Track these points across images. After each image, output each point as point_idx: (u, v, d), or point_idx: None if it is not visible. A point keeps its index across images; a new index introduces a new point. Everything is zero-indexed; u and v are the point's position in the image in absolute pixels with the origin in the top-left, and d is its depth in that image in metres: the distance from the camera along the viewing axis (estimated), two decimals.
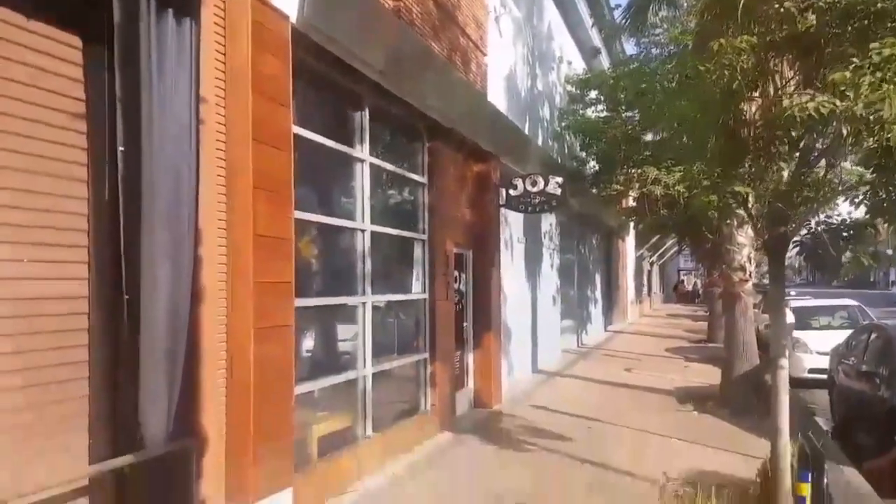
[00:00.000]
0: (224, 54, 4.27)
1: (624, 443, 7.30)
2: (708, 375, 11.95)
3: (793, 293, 27.78)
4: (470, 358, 9.13)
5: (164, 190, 3.40)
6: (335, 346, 6.24)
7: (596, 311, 20.62)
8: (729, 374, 9.59)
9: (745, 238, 9.76)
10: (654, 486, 5.69)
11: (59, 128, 3.35)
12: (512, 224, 11.25)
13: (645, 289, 36.14)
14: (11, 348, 3.03)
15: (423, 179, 7.67)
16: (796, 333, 12.38)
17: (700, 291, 46.29)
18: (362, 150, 6.26)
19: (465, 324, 9.05)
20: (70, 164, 3.40)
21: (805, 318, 13.77)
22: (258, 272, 4.23)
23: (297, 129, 5.11)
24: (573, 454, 6.75)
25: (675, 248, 40.98)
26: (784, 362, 5.07)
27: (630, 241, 28.60)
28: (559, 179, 9.09)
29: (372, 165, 6.40)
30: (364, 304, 6.20)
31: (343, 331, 6.25)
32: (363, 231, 6.23)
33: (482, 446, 7.09)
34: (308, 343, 5.65)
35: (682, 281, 59.68)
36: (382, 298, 6.62)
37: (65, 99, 3.39)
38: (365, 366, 6.17)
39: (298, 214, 4.95)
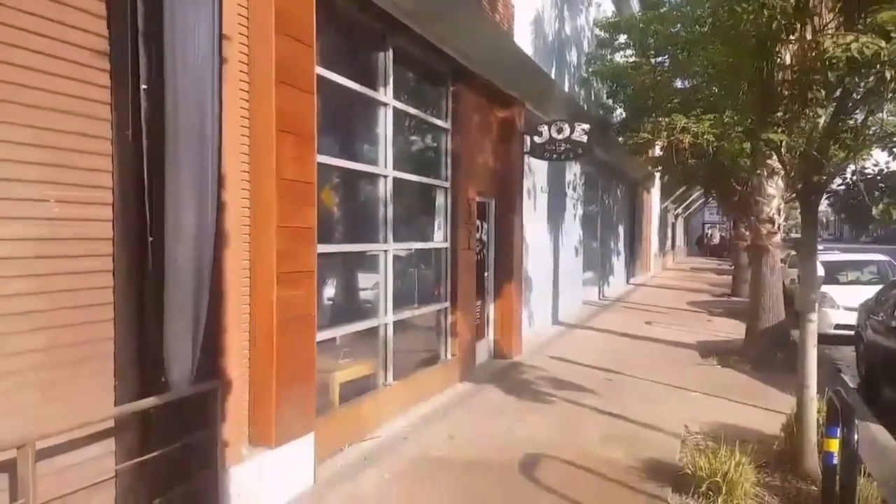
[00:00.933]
0: None
1: (644, 395, 7.30)
2: (732, 329, 11.87)
3: (820, 248, 27.37)
4: (491, 308, 9.12)
5: (187, 130, 3.31)
6: (356, 294, 6.24)
7: (619, 263, 20.48)
8: (754, 328, 9.49)
9: (774, 189, 9.50)
10: (675, 439, 5.71)
11: (81, 65, 3.26)
12: (536, 173, 11.07)
13: (669, 242, 35.74)
14: (36, 289, 3.04)
15: (446, 125, 7.50)
16: (823, 288, 12.13)
17: (726, 245, 45.83)
18: (386, 94, 6.11)
19: (486, 273, 9.00)
20: (93, 103, 3.32)
21: (832, 273, 13.48)
22: (281, 216, 4.18)
23: (320, 70, 4.98)
24: (592, 405, 6.77)
25: (701, 201, 40.41)
26: (813, 316, 4.96)
27: (655, 192, 28.15)
28: (585, 126, 8.84)
29: (395, 109, 6.25)
30: (386, 251, 6.17)
31: (364, 279, 6.24)
32: (385, 177, 6.14)
33: (502, 396, 7.14)
34: (329, 290, 5.65)
35: (708, 234, 58.93)
36: (404, 246, 6.58)
37: (87, 35, 3.29)
38: (386, 314, 6.18)
39: (321, 159, 4.87)
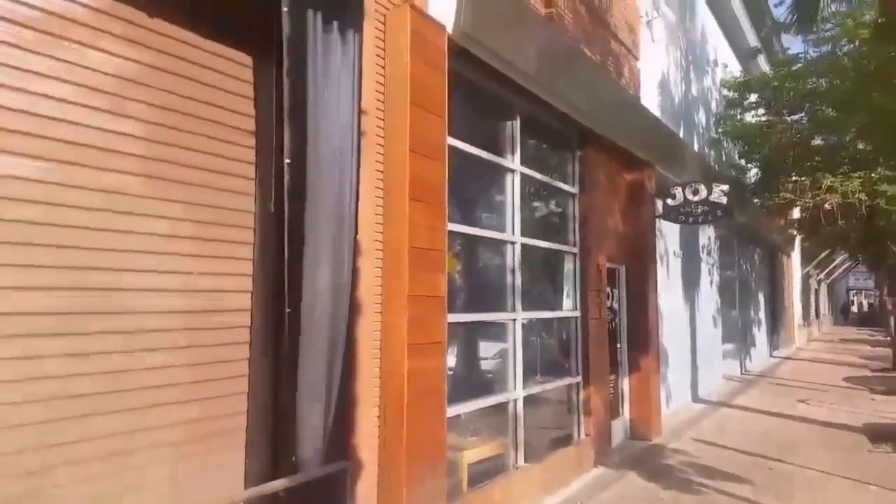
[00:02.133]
0: (384, 66, 4.21)
1: (810, 487, 6.31)
2: None
3: None
4: (625, 383, 8.48)
5: (327, 202, 3.31)
6: (484, 367, 5.97)
7: (760, 333, 18.77)
8: None
9: None
10: None
11: (228, 143, 3.39)
12: (667, 237, 10.45)
13: (813, 310, 32.59)
14: (178, 362, 3.05)
15: (573, 189, 7.24)
16: None
17: (876, 312, 41.23)
18: (513, 160, 5.99)
19: (618, 345, 8.43)
20: (238, 178, 3.42)
21: None
22: (413, 285, 4.06)
23: (450, 140, 4.95)
24: (749, 497, 5.93)
25: (846, 266, 36.79)
26: None
27: (795, 257, 25.95)
28: (724, 187, 8.24)
29: (523, 175, 6.11)
30: (514, 320, 5.89)
31: (492, 350, 5.97)
32: (513, 244, 5.94)
33: (644, 484, 6.45)
34: (456, 362, 5.42)
35: (853, 301, 53.67)
36: (533, 315, 6.25)
37: (234, 115, 3.43)
38: (515, 388, 5.84)
39: (451, 227, 4.76)
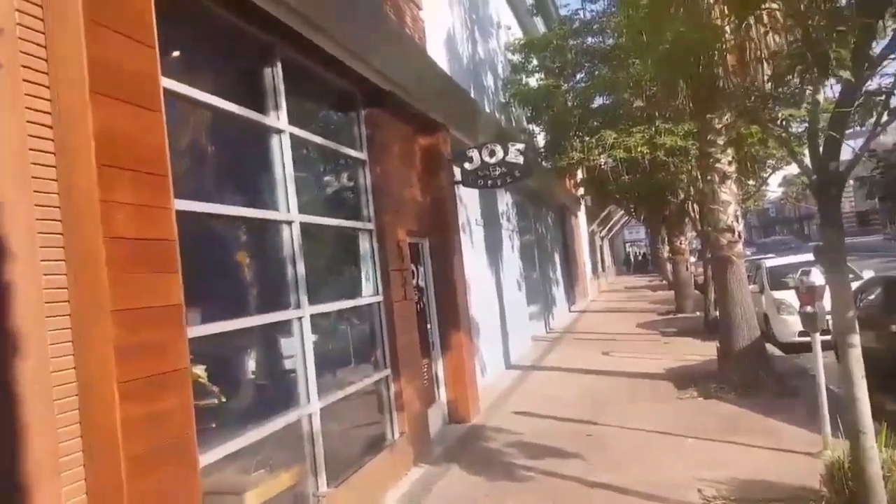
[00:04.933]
0: None
1: (633, 450, 6.08)
2: (695, 351, 10.97)
3: (748, 252, 27.56)
4: (439, 365, 7.76)
5: None
6: (266, 381, 4.74)
7: (559, 291, 19.61)
8: (728, 348, 8.54)
9: (729, 195, 8.71)
10: None
11: None
12: (468, 206, 9.94)
13: (600, 264, 35.61)
14: None
15: (362, 155, 6.21)
16: (778, 294, 11.56)
17: (649, 260, 47.07)
18: (278, 118, 4.76)
19: (428, 325, 7.66)
20: None
21: (781, 277, 12.92)
22: (120, 295, 2.72)
23: (179, 86, 3.61)
24: (578, 475, 5.47)
25: (623, 221, 40.91)
26: (855, 339, 3.90)
27: (582, 217, 27.82)
28: (520, 146, 7.78)
29: (294, 138, 4.90)
30: (301, 318, 4.72)
31: (274, 359, 4.76)
32: (290, 223, 4.75)
33: (467, 479, 5.73)
34: (221, 384, 4.12)
35: (637, 253, 60.75)
36: (324, 308, 5.13)
37: None
38: (309, 400, 4.70)
39: (185, 205, 3.45)
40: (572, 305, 21.80)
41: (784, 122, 3.79)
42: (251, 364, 4.60)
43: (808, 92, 4.12)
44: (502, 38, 14.48)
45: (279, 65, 4.80)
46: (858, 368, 3.82)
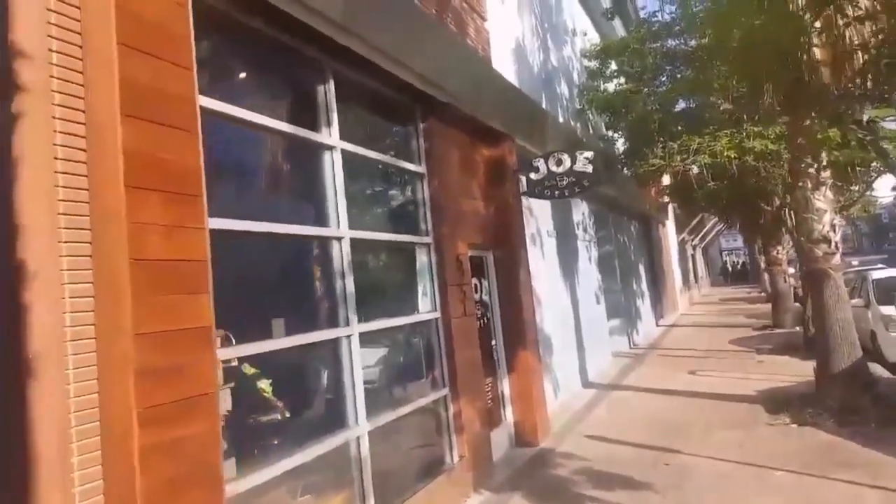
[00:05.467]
0: None
1: (714, 483, 5.58)
2: (790, 370, 10.10)
3: (854, 262, 25.34)
4: (505, 384, 7.49)
5: None
6: (311, 402, 4.67)
7: (644, 305, 18.74)
8: (826, 370, 7.76)
9: (824, 202, 7.94)
10: None
11: None
12: (538, 217, 9.63)
13: (692, 274, 33.91)
14: None
15: (420, 169, 6.10)
16: (887, 310, 10.44)
17: (748, 270, 44.35)
18: (330, 135, 4.73)
19: (493, 342, 7.43)
20: None
21: (891, 290, 11.68)
22: (143, 317, 2.70)
23: (224, 107, 3.63)
24: None
25: (717, 229, 38.79)
26: None
27: (670, 225, 26.63)
28: (589, 154, 7.41)
29: (346, 153, 4.86)
30: (349, 336, 4.64)
31: (321, 378, 4.70)
32: (339, 240, 4.69)
33: None
34: (267, 405, 4.10)
35: (735, 262, 57.63)
36: (375, 326, 5.03)
37: None
38: (357, 422, 4.59)
39: (224, 224, 3.44)
40: (660, 319, 20.80)
41: (870, 123, 3.30)
42: (301, 383, 4.56)
43: None
44: (578, 45, 14.08)
45: (331, 81, 4.78)
46: None
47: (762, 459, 5.99)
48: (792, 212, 10.28)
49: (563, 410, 8.92)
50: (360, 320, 4.74)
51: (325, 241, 4.65)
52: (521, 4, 10.35)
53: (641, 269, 19.32)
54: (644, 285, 19.17)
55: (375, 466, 4.63)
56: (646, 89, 12.88)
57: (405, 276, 5.93)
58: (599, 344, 12.39)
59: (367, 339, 4.93)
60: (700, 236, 36.98)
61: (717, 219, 26.91)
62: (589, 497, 5.51)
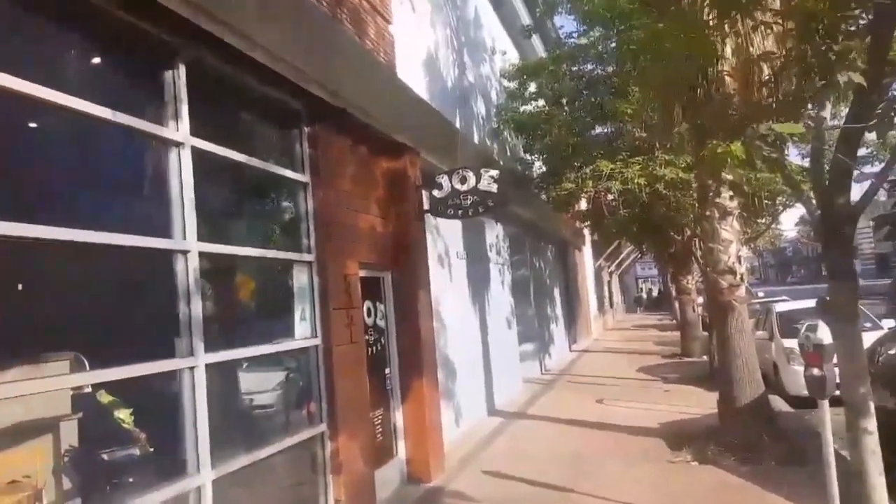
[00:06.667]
0: None
1: None
2: (695, 402, 9.97)
3: (760, 294, 26.29)
4: (398, 416, 6.88)
5: None
6: (152, 444, 3.91)
7: (558, 329, 18.60)
8: (729, 404, 7.58)
9: (730, 233, 7.84)
10: None
11: None
12: (447, 237, 9.15)
13: (607, 300, 34.51)
14: None
15: (302, 178, 5.46)
16: (789, 343, 10.54)
17: (662, 298, 45.60)
18: (177, 128, 4.02)
19: (387, 371, 6.81)
20: None
21: (793, 323, 11.90)
22: None
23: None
24: None
25: (634, 256, 39.76)
26: (871, 423, 3.02)
27: (587, 251, 26.92)
28: (494, 173, 6.98)
29: (197, 152, 4.15)
30: (192, 368, 3.91)
31: (161, 416, 3.95)
32: (184, 253, 3.96)
33: None
34: (77, 454, 3.34)
35: (645, 290, 59.38)
36: (230, 355, 4.31)
37: None
38: (199, 470, 3.86)
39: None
40: (573, 344, 20.77)
41: (776, 141, 2.98)
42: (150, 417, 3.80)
43: (809, 107, 3.31)
44: (497, 64, 13.85)
45: (182, 68, 4.09)
46: (875, 463, 2.94)
47: (659, 500, 5.64)
48: (700, 242, 10.29)
49: (464, 440, 8.39)
50: (209, 349, 4.02)
51: (164, 255, 3.92)
52: (434, 15, 9.94)
53: (556, 293, 19.23)
54: (558, 310, 19.07)
55: None
56: (563, 113, 12.76)
57: (279, 298, 5.24)
58: (509, 370, 11.98)
59: (223, 370, 4.22)
60: (617, 263, 37.80)
61: (632, 246, 27.43)
62: None
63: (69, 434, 5.00)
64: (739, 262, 7.77)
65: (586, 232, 23.17)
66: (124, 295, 3.84)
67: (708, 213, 7.87)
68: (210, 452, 3.93)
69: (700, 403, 9.72)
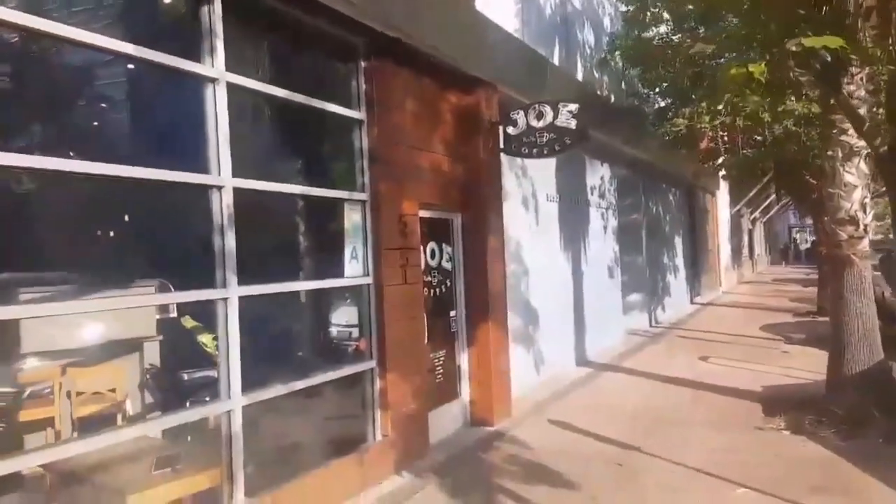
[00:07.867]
0: None
1: (660, 493, 4.82)
2: (813, 365, 8.96)
3: None
4: (463, 358, 6.83)
5: None
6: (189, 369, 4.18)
7: (677, 280, 17.50)
8: (837, 371, 6.76)
9: (855, 175, 6.75)
10: None
11: None
12: (535, 178, 8.75)
13: (746, 251, 31.87)
14: None
15: (357, 114, 5.38)
16: None
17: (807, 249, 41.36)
18: (212, 65, 4.06)
19: (452, 313, 6.75)
20: None
21: None
22: None
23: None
24: None
25: (783, 202, 36.06)
26: None
27: (723, 196, 24.81)
28: (573, 107, 6.45)
29: (234, 87, 4.18)
30: (225, 300, 4.06)
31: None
32: (219, 188, 4.06)
33: (440, 499, 4.85)
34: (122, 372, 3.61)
35: (795, 240, 54.10)
36: (262, 290, 4.42)
37: None
38: (230, 396, 4.05)
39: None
40: (696, 297, 19.49)
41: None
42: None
43: None
44: None
45: (216, 1, 4.09)
46: None
47: (730, 471, 5.13)
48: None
49: (542, 388, 8.23)
50: (242, 282, 4.15)
51: (199, 190, 4.04)
52: None
53: (678, 241, 17.99)
54: (679, 260, 17.87)
55: (255, 443, 4.13)
56: (686, 42, 11.53)
57: (327, 236, 5.30)
58: (608, 320, 11.49)
59: (262, 303, 4.38)
60: (762, 209, 34.63)
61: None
62: (510, 493, 4.86)
63: (152, 354, 5.49)
64: (864, 211, 6.71)
65: (720, 175, 21.33)
66: (168, 228, 4.05)
67: (831, 152, 6.82)
68: (241, 380, 4.10)
69: (818, 367, 8.68)
